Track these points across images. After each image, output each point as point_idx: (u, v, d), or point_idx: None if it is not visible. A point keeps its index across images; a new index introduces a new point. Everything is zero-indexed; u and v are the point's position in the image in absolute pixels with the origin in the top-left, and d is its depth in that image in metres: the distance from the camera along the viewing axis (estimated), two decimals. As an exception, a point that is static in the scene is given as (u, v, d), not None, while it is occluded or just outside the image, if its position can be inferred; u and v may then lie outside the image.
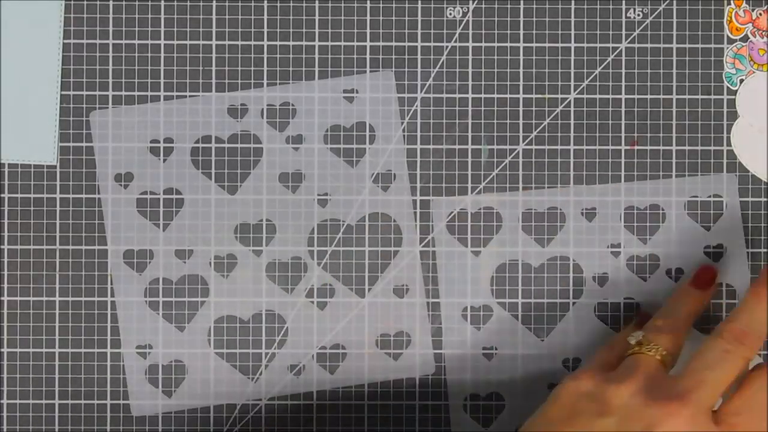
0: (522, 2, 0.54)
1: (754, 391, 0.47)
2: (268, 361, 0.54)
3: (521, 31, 0.54)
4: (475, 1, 0.54)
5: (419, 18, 0.54)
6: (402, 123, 0.54)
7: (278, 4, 0.54)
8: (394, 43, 0.54)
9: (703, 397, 0.46)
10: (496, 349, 0.54)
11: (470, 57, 0.54)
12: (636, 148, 0.54)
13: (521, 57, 0.54)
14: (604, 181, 0.54)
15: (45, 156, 0.53)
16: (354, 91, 0.54)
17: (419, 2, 0.54)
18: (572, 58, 0.54)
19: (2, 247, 0.54)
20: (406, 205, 0.54)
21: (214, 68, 0.54)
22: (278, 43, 0.54)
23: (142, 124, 0.54)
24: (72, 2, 0.54)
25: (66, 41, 0.54)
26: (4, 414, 0.54)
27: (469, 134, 0.54)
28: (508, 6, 0.54)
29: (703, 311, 0.52)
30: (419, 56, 0.54)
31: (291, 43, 0.54)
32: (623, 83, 0.54)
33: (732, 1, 0.54)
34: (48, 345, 0.54)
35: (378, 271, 0.54)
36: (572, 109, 0.54)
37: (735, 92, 0.54)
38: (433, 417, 0.54)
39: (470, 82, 0.54)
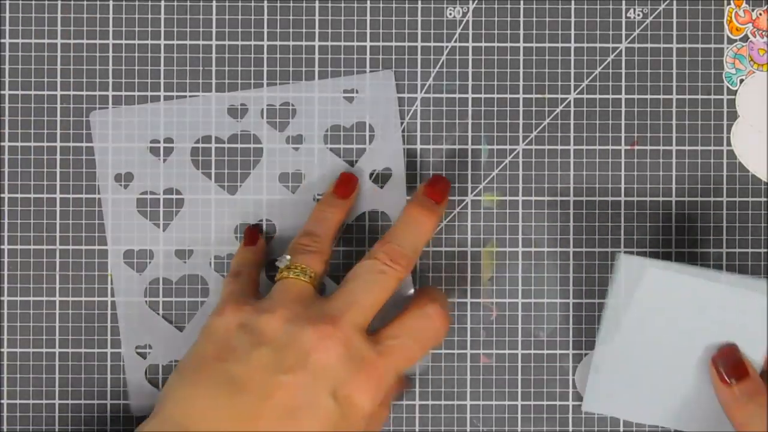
0: (522, 2, 0.54)
1: (412, 318, 0.48)
2: (268, 361, 0.54)
3: (521, 31, 0.54)
4: (475, 1, 0.54)
5: (419, 18, 0.54)
6: (402, 123, 0.54)
7: (278, 4, 0.54)
8: (394, 43, 0.54)
9: (355, 318, 0.46)
10: (495, 348, 0.54)
11: (470, 57, 0.54)
12: (636, 148, 0.54)
13: (521, 57, 0.54)
14: (604, 182, 0.54)
15: None
16: (354, 91, 0.54)
17: (419, 2, 0.54)
18: (572, 58, 0.54)
19: (2, 247, 0.54)
20: (406, 205, 0.54)
21: (214, 68, 0.54)
22: (278, 43, 0.54)
23: (143, 124, 0.54)
24: (72, 2, 0.54)
25: (66, 41, 0.54)
26: (4, 414, 0.54)
27: (469, 134, 0.54)
28: (508, 6, 0.54)
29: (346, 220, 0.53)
30: (419, 56, 0.54)
31: (291, 43, 0.54)
32: (623, 83, 0.54)
33: (732, 1, 0.54)
34: (48, 345, 0.54)
35: (378, 271, 0.54)
36: (572, 109, 0.54)
37: (735, 92, 0.54)
38: (433, 417, 0.54)
39: (470, 82, 0.54)
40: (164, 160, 0.54)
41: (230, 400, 0.45)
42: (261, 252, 0.53)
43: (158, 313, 0.54)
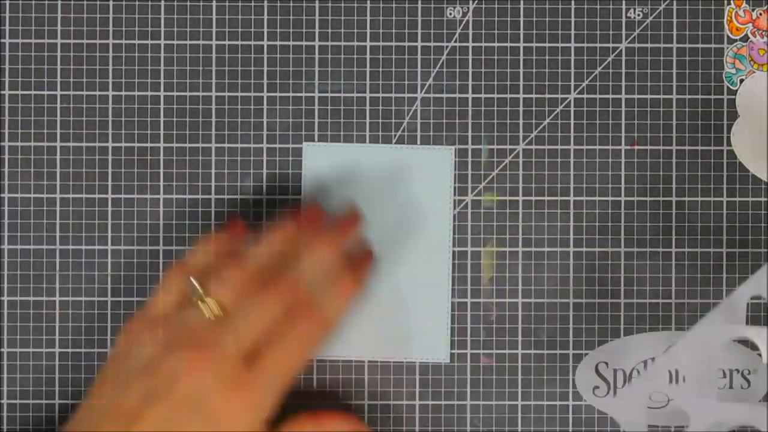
0: (522, 2, 0.54)
1: (284, 335, 0.47)
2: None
3: (521, 31, 0.54)
4: (475, 1, 0.54)
5: (419, 18, 0.54)
6: (402, 123, 0.54)
7: (278, 4, 0.54)
8: (394, 43, 0.54)
9: (231, 343, 0.46)
10: (495, 348, 0.54)
11: (470, 57, 0.54)
12: (636, 148, 0.54)
13: (521, 57, 0.54)
14: (604, 182, 0.54)
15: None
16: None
17: (419, 2, 0.54)
18: (572, 58, 0.54)
19: (2, 247, 0.54)
20: (406, 205, 0.54)
21: (214, 68, 0.54)
22: (278, 43, 0.54)
23: (143, 124, 0.54)
24: (72, 2, 0.54)
25: (66, 41, 0.54)
26: (4, 414, 0.54)
27: (469, 134, 0.54)
28: (508, 6, 0.54)
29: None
30: (419, 56, 0.54)
31: (291, 43, 0.54)
32: (623, 83, 0.54)
33: (732, 1, 0.54)
34: (48, 345, 0.54)
35: (378, 271, 0.54)
36: (572, 109, 0.54)
37: (735, 92, 0.54)
38: (433, 417, 0.54)
39: (470, 82, 0.54)
40: (164, 161, 0.54)
41: (98, 427, 0.45)
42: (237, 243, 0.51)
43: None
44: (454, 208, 0.54)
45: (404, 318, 0.54)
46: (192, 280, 0.48)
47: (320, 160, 0.54)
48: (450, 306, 0.54)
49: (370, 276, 0.52)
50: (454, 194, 0.54)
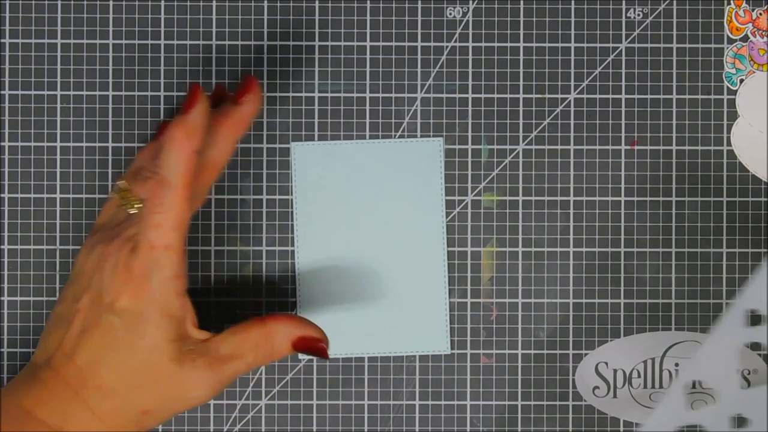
0: (522, 2, 0.54)
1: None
2: (268, 361, 0.54)
3: (521, 31, 0.54)
4: (475, 1, 0.54)
5: (419, 18, 0.54)
6: (402, 123, 0.54)
7: (278, 4, 0.54)
8: (394, 43, 0.54)
9: (131, 231, 0.47)
10: (495, 348, 0.54)
11: (470, 57, 0.54)
12: (636, 148, 0.54)
13: (521, 57, 0.54)
14: (604, 182, 0.54)
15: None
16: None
17: (419, 2, 0.54)
18: (572, 58, 0.54)
19: (2, 247, 0.54)
20: (406, 205, 0.54)
21: (214, 68, 0.54)
22: (278, 43, 0.54)
23: (143, 124, 0.54)
24: (72, 2, 0.54)
25: (66, 41, 0.54)
26: (4, 414, 0.54)
27: (469, 134, 0.54)
28: (508, 6, 0.54)
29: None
30: (419, 56, 0.54)
31: (291, 43, 0.54)
32: (623, 83, 0.54)
33: (732, 1, 0.54)
34: (48, 345, 0.54)
35: (378, 271, 0.54)
36: (572, 109, 0.54)
37: (735, 92, 0.54)
38: (433, 417, 0.54)
39: (470, 82, 0.54)
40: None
41: (51, 336, 0.48)
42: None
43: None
44: (455, 208, 0.54)
45: (402, 310, 0.54)
46: (122, 181, 0.50)
47: (309, 159, 0.54)
48: (447, 295, 0.54)
49: (201, 115, 0.47)
50: (455, 194, 0.54)
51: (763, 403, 0.47)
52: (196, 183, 0.48)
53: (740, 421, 0.47)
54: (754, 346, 0.53)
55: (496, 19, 0.54)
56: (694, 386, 0.52)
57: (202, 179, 0.49)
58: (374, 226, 0.54)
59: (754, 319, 0.47)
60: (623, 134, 0.54)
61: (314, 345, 0.49)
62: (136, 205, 0.48)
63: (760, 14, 0.54)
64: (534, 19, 0.54)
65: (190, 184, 0.46)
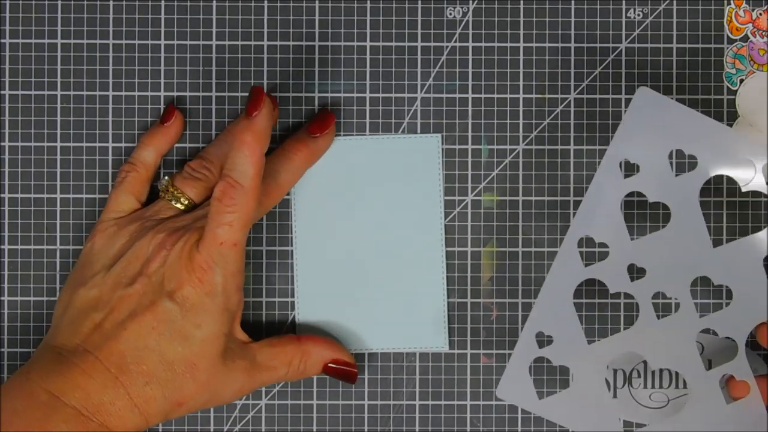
0: (522, 2, 0.54)
1: (212, 214, 0.48)
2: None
3: (521, 31, 0.54)
4: (475, 1, 0.54)
5: (419, 18, 0.54)
6: (402, 123, 0.54)
7: (278, 4, 0.54)
8: (394, 43, 0.54)
9: (189, 227, 0.49)
10: (495, 348, 0.54)
11: (470, 57, 0.54)
12: (636, 148, 0.54)
13: (521, 57, 0.54)
14: (604, 181, 0.54)
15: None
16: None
17: (419, 2, 0.54)
18: (572, 58, 0.54)
19: (2, 247, 0.54)
20: (406, 205, 0.54)
21: (214, 68, 0.54)
22: (278, 43, 0.54)
23: (143, 124, 0.54)
24: (72, 2, 0.54)
25: (66, 41, 0.54)
26: (5, 414, 0.54)
27: (469, 134, 0.54)
28: (508, 6, 0.54)
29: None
30: (419, 56, 0.54)
31: (291, 43, 0.54)
32: (623, 83, 0.54)
33: (732, 1, 0.54)
34: (48, 345, 0.54)
35: (378, 271, 0.54)
36: (572, 109, 0.54)
37: (735, 92, 0.54)
38: (433, 417, 0.54)
39: (470, 82, 0.54)
40: (164, 161, 0.54)
41: (87, 320, 0.48)
42: (174, 136, 0.53)
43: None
44: (454, 208, 0.54)
45: (400, 308, 0.54)
46: (166, 178, 0.52)
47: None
48: (446, 292, 0.54)
49: (267, 119, 0.49)
50: (454, 194, 0.54)
51: (654, 251, 0.48)
52: (265, 200, 0.50)
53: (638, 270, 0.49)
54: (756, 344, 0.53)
55: (496, 19, 0.54)
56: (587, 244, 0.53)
57: (269, 198, 0.51)
58: (372, 223, 0.54)
59: (629, 167, 0.48)
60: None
61: (345, 371, 0.52)
62: (184, 202, 0.51)
63: (760, 14, 0.54)
64: (534, 19, 0.54)
65: (259, 186, 0.48)
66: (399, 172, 0.53)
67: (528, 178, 0.54)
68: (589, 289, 0.54)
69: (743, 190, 0.49)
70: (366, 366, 0.54)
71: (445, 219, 0.54)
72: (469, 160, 0.54)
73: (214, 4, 0.54)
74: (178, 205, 0.51)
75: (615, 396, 0.54)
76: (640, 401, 0.54)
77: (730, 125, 0.54)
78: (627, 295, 0.53)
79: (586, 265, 0.49)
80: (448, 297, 0.54)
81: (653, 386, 0.54)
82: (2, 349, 0.54)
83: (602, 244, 0.50)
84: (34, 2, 0.54)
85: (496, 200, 0.54)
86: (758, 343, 0.50)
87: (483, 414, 0.54)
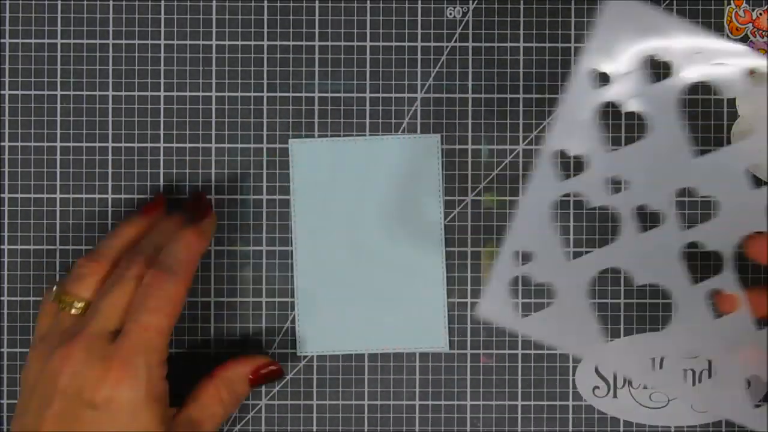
0: (522, 2, 0.54)
1: (139, 303, 0.47)
2: (268, 361, 0.54)
3: (521, 31, 0.54)
4: (475, 1, 0.54)
5: (419, 18, 0.54)
6: (402, 123, 0.54)
7: (278, 4, 0.54)
8: (394, 43, 0.54)
9: (97, 325, 0.47)
10: (495, 348, 0.54)
11: (470, 57, 0.54)
12: (636, 148, 0.54)
13: (521, 57, 0.54)
14: (604, 181, 0.54)
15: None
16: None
17: (419, 2, 0.54)
18: (572, 58, 0.54)
19: (2, 247, 0.54)
20: (406, 205, 0.54)
21: (214, 68, 0.54)
22: (278, 43, 0.54)
23: (143, 124, 0.54)
24: (72, 2, 0.54)
25: (66, 41, 0.54)
26: (5, 414, 0.54)
27: (469, 134, 0.54)
28: (508, 6, 0.54)
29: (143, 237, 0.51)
30: (419, 56, 0.54)
31: (291, 43, 0.54)
32: (623, 83, 0.54)
33: (732, 1, 0.54)
34: (48, 345, 0.54)
35: (378, 271, 0.54)
36: (572, 109, 0.54)
37: (735, 92, 0.54)
38: (433, 417, 0.54)
39: (470, 82, 0.54)
40: (164, 161, 0.54)
41: None
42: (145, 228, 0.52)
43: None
44: (454, 208, 0.54)
45: (400, 307, 0.54)
46: (54, 287, 0.49)
47: (307, 156, 0.54)
48: (445, 291, 0.54)
49: (212, 226, 0.52)
50: (454, 194, 0.54)
51: (637, 161, 0.47)
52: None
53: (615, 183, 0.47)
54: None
55: (496, 19, 0.54)
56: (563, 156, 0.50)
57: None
58: (372, 223, 0.54)
59: (603, 77, 0.47)
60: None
61: (268, 373, 0.52)
62: (77, 305, 0.49)
63: (760, 14, 0.54)
64: (534, 19, 0.54)
65: (191, 281, 0.48)
66: (399, 173, 0.54)
67: (528, 178, 0.54)
68: (565, 210, 0.53)
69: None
70: (366, 366, 0.54)
71: (445, 219, 0.54)
72: (469, 160, 0.54)
73: (214, 4, 0.54)
74: (74, 311, 0.49)
75: (615, 396, 0.54)
76: (640, 401, 0.54)
77: (730, 125, 0.54)
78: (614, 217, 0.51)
79: (563, 180, 0.47)
80: (448, 297, 0.54)
81: (653, 386, 0.54)
82: (2, 349, 0.54)
83: (578, 157, 0.47)
84: (34, 2, 0.54)
85: (496, 200, 0.54)
86: (744, 256, 0.50)
87: (483, 414, 0.54)
